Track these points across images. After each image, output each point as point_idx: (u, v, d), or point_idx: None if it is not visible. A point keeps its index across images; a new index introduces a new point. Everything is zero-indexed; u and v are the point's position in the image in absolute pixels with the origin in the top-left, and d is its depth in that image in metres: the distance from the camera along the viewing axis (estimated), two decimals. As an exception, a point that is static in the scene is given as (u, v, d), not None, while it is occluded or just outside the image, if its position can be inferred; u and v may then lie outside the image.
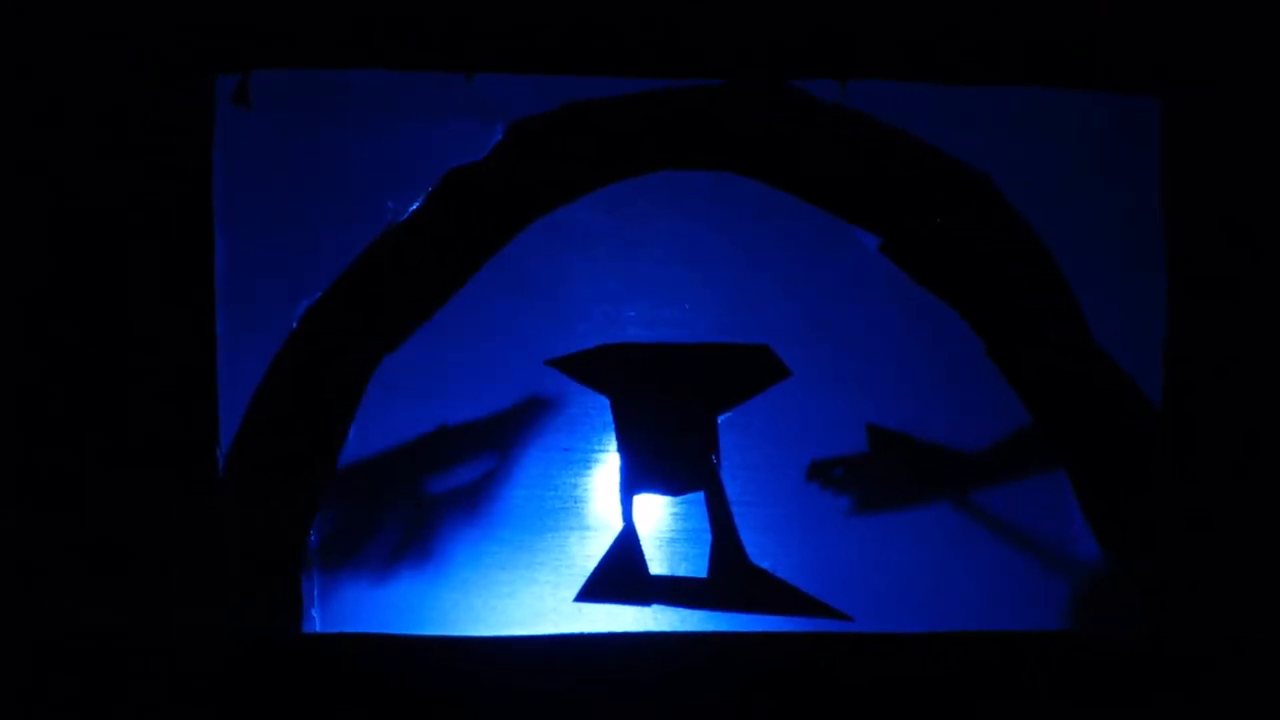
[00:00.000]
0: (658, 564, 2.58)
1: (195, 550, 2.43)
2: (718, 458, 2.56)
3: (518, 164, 2.53)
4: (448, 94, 2.53)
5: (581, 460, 2.59)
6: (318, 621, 2.54)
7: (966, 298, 2.55)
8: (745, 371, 2.57)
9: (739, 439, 2.58)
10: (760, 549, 2.57)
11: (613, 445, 2.56)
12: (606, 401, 2.57)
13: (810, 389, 2.60)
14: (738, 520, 2.55)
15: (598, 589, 2.55)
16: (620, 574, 2.55)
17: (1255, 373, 2.53)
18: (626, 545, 2.56)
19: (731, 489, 2.56)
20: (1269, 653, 2.45)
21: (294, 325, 2.51)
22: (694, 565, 2.57)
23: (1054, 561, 2.60)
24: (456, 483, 2.60)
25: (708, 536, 2.56)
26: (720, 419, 2.56)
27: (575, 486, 2.58)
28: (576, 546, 2.58)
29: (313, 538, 2.51)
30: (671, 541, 2.58)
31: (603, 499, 2.58)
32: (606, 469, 2.58)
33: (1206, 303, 2.54)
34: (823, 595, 2.56)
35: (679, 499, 2.58)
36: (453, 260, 2.52)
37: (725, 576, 2.55)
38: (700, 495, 2.56)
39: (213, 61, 2.48)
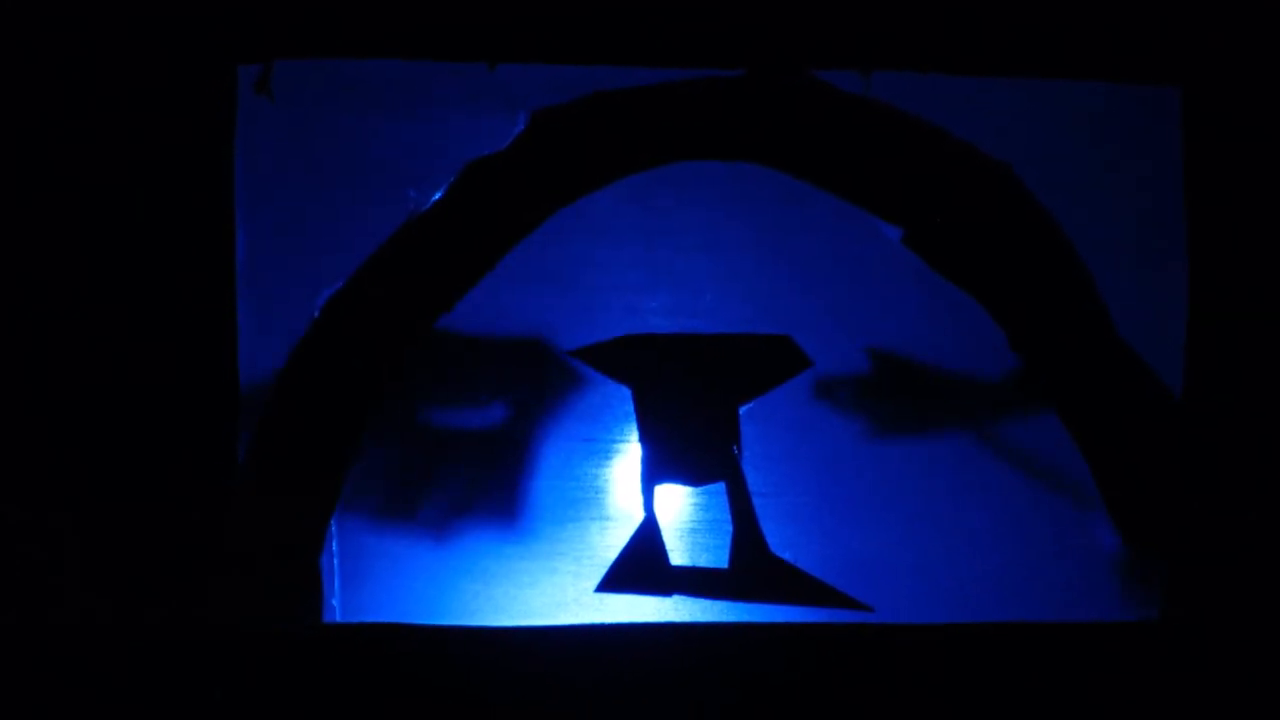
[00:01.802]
0: (679, 554, 2.57)
1: (215, 540, 2.43)
2: (739, 448, 2.56)
3: (539, 155, 2.52)
4: (469, 84, 2.53)
5: (603, 451, 2.59)
6: (338, 611, 2.54)
7: (988, 289, 2.55)
8: (767, 362, 2.57)
9: (760, 429, 2.58)
10: (781, 539, 2.57)
11: (634, 436, 2.56)
12: (628, 392, 2.57)
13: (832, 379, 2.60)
14: (759, 511, 2.55)
15: (619, 579, 2.55)
16: (641, 564, 2.55)
17: (1276, 364, 2.53)
18: (647, 536, 2.55)
19: (753, 479, 2.56)
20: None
21: (315, 315, 2.51)
22: (715, 556, 2.57)
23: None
24: (477, 473, 2.60)
25: (729, 527, 2.56)
26: (742, 409, 2.56)
27: (596, 477, 2.58)
28: (597, 537, 2.58)
29: (334, 525, 2.51)
30: (693, 532, 2.58)
31: (624, 489, 2.58)
32: (628, 459, 2.58)
33: (1228, 294, 2.54)
34: (844, 586, 2.56)
35: (700, 489, 2.58)
36: (474, 251, 2.52)
37: (746, 567, 2.55)
38: (721, 486, 2.56)
39: (234, 51, 2.48)
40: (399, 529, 2.58)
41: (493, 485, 2.59)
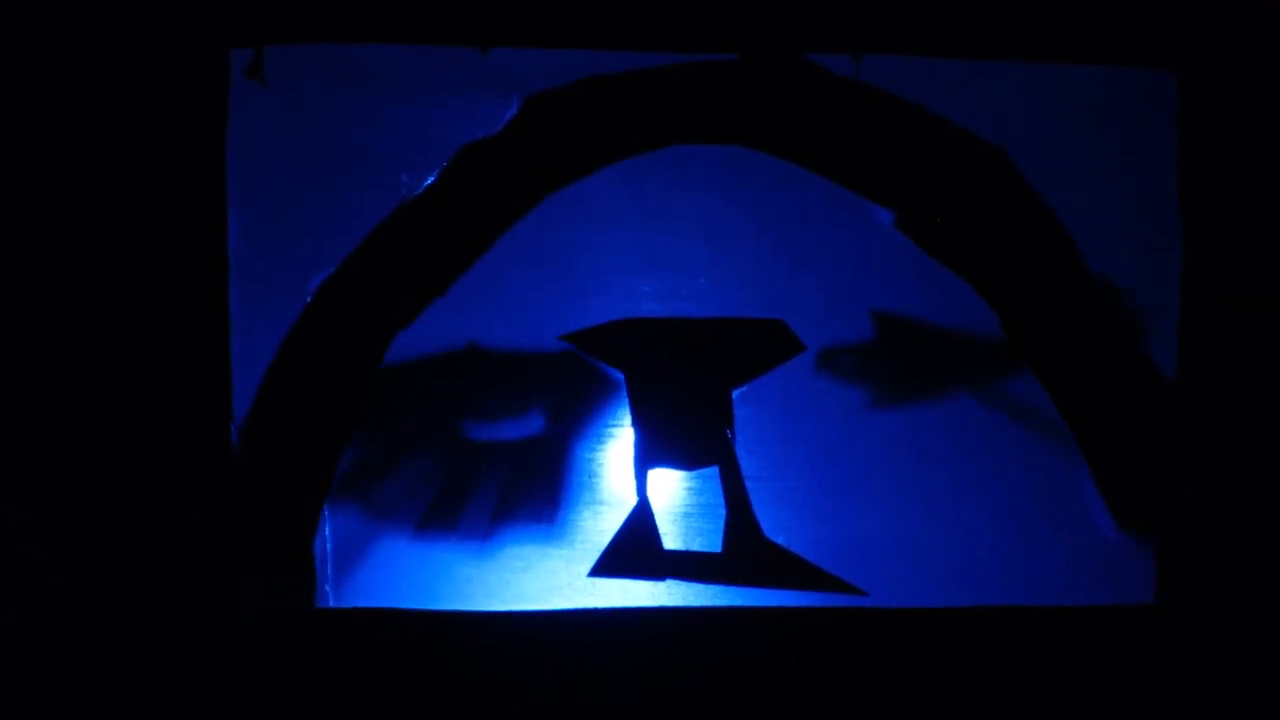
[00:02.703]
0: (672, 539, 2.57)
1: (209, 525, 2.43)
2: (732, 432, 2.56)
3: (532, 138, 2.53)
4: (462, 68, 2.53)
5: (596, 435, 2.58)
6: (330, 597, 2.54)
7: (982, 273, 2.55)
8: (760, 346, 2.57)
9: (754, 413, 2.58)
10: (774, 523, 2.57)
11: (627, 420, 2.56)
12: (621, 376, 2.57)
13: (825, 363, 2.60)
14: (752, 495, 2.55)
15: (612, 564, 2.55)
16: (635, 549, 2.55)
17: (1270, 350, 2.53)
18: (641, 520, 2.55)
19: (746, 464, 2.56)
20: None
21: (308, 300, 2.51)
22: (708, 540, 2.57)
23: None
24: (470, 458, 2.59)
25: (722, 511, 2.56)
26: (735, 394, 2.56)
27: (590, 461, 2.58)
28: (591, 521, 2.58)
29: (327, 510, 2.51)
30: (686, 516, 2.58)
31: (617, 474, 2.58)
32: (621, 444, 2.58)
33: (1222, 280, 2.54)
34: (838, 570, 2.56)
35: (693, 474, 2.57)
36: (467, 235, 2.52)
37: (740, 551, 2.55)
38: (715, 470, 2.56)
39: (227, 35, 2.48)
40: (392, 516, 2.58)
41: (485, 470, 2.59)
